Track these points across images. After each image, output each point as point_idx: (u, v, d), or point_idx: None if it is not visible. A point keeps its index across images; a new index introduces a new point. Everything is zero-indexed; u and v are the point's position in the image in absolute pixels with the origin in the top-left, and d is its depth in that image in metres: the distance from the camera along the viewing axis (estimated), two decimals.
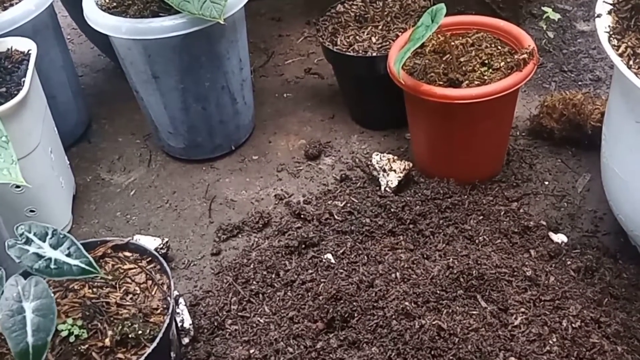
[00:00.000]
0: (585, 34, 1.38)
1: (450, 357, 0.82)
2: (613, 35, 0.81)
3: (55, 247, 0.73)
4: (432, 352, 0.83)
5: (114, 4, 1.09)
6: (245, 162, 1.22)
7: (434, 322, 0.85)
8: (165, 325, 0.78)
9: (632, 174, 0.84)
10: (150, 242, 1.02)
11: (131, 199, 1.18)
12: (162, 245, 1.03)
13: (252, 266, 1.00)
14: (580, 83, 1.30)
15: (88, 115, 1.34)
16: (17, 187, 1.01)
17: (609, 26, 0.82)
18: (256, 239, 1.06)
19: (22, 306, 0.68)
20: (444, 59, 1.05)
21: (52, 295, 0.70)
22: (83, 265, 0.73)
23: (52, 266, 0.72)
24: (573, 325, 0.84)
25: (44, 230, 0.74)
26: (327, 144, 1.23)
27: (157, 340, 0.76)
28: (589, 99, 1.14)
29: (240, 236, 1.08)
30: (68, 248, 0.74)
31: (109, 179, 1.23)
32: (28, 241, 0.73)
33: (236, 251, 1.05)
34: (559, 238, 0.99)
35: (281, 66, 1.45)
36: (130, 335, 0.77)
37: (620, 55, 0.77)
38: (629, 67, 0.75)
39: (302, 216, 1.07)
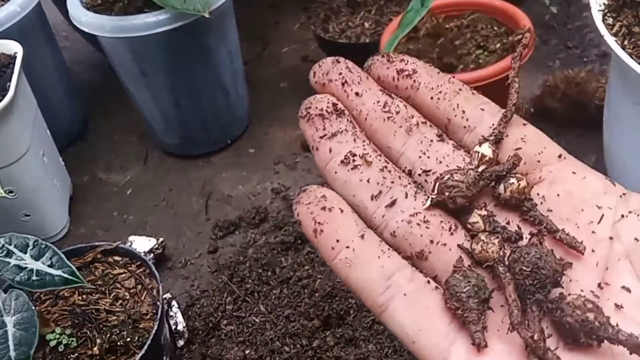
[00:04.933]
0: (590, 7, 1.32)
1: None
2: (608, 14, 0.77)
3: (36, 258, 0.72)
4: None
5: (99, 1, 1.07)
6: (241, 156, 1.20)
7: None
8: (154, 331, 0.77)
9: (631, 156, 0.80)
10: (145, 243, 1.01)
11: (128, 198, 1.17)
12: (157, 245, 1.02)
13: (247, 264, 0.98)
14: (585, 59, 1.26)
15: (83, 114, 1.32)
16: (10, 192, 1.00)
17: (604, 4, 0.78)
18: (253, 235, 1.05)
19: (3, 320, 0.67)
20: (438, 43, 1.02)
21: (34, 308, 0.69)
22: (66, 275, 0.72)
23: (34, 278, 0.71)
24: None
25: (25, 242, 0.73)
26: None
27: (146, 347, 0.75)
28: (592, 76, 1.10)
29: (237, 232, 1.07)
30: (50, 258, 0.72)
31: (105, 178, 1.22)
32: (9, 253, 0.72)
33: (233, 248, 1.04)
34: None
35: (277, 55, 1.42)
36: (119, 343, 0.77)
37: (615, 34, 0.73)
38: (624, 48, 0.71)
39: None
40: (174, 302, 0.92)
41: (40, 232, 1.01)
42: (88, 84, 1.44)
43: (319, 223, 0.34)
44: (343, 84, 0.38)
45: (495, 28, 1.03)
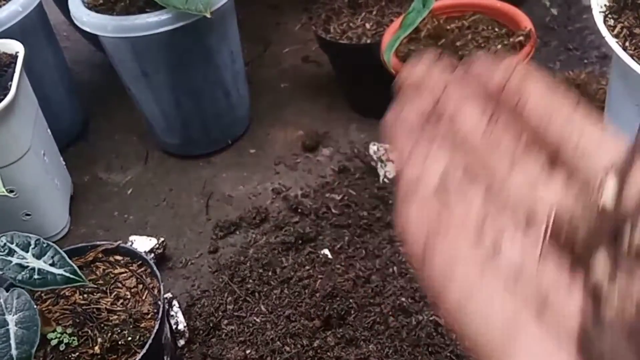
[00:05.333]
0: (590, 9, 1.32)
1: (447, 354, 0.80)
2: (609, 15, 0.77)
3: (38, 256, 0.72)
4: (429, 349, 0.81)
5: (100, 1, 1.07)
6: (242, 157, 1.20)
7: (431, 318, 0.83)
8: (155, 330, 0.77)
9: None
10: (146, 243, 1.01)
11: (128, 197, 1.17)
12: (158, 245, 1.02)
13: (248, 264, 0.98)
14: (586, 61, 1.26)
15: (84, 114, 1.33)
16: (11, 191, 1.00)
17: (605, 5, 0.78)
18: (253, 235, 1.05)
19: (5, 319, 0.68)
20: (439, 43, 1.02)
21: (35, 307, 0.69)
22: (67, 274, 0.72)
23: (36, 276, 0.71)
24: None
25: (27, 240, 0.73)
26: (325, 135, 1.20)
27: (147, 346, 0.75)
28: (593, 78, 1.10)
29: (237, 233, 1.07)
30: (52, 257, 0.73)
31: (106, 178, 1.22)
32: (11, 252, 0.72)
33: (233, 248, 1.04)
34: None
35: (278, 55, 1.42)
36: (120, 342, 0.76)
37: (617, 36, 0.74)
38: (625, 49, 0.71)
39: (299, 210, 1.05)
40: (174, 302, 0.92)
41: (40, 232, 1.00)
42: (89, 83, 1.44)
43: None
44: (444, 87, 0.32)
45: (496, 29, 1.03)
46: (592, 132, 0.31)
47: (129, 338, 0.76)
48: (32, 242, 0.72)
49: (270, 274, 0.96)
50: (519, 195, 0.30)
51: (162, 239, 1.03)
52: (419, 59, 0.33)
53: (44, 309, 0.82)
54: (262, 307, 0.92)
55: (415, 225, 0.29)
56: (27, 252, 0.72)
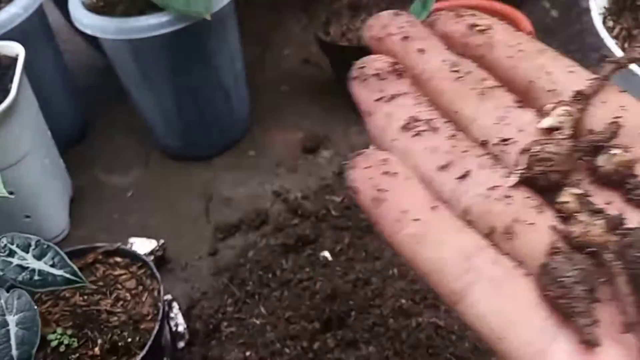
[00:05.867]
0: (590, 11, 1.33)
1: (448, 356, 0.80)
2: (608, 17, 0.77)
3: (38, 258, 0.72)
4: (430, 351, 0.81)
5: (101, 3, 1.07)
6: (242, 159, 1.21)
7: (431, 320, 0.83)
8: (155, 331, 0.77)
9: None
10: (145, 245, 1.01)
11: (128, 200, 1.17)
12: (158, 247, 1.02)
13: (248, 266, 0.98)
14: (586, 63, 1.25)
15: (84, 116, 1.33)
16: (11, 193, 1.00)
17: (604, 7, 0.78)
18: (253, 238, 1.05)
19: (6, 319, 0.68)
20: None
21: (36, 307, 0.69)
22: (68, 275, 0.72)
23: (36, 277, 0.71)
24: None
25: (27, 241, 0.73)
26: (325, 137, 1.21)
27: (147, 347, 0.75)
28: None
29: (237, 235, 1.07)
30: (52, 258, 0.73)
31: (106, 180, 1.22)
32: (11, 253, 0.72)
33: (233, 250, 1.04)
34: None
35: (278, 57, 1.42)
36: (120, 343, 0.77)
37: (616, 37, 0.74)
38: (624, 51, 0.71)
39: (299, 213, 1.05)
40: (174, 304, 0.92)
41: (40, 234, 1.00)
42: (89, 86, 1.44)
43: (380, 190, 0.28)
44: (404, 39, 0.33)
45: None
46: (560, 70, 0.32)
47: (129, 339, 0.77)
48: (33, 243, 0.72)
49: (270, 276, 0.96)
50: (488, 129, 0.31)
51: (162, 241, 1.03)
52: (382, 13, 0.34)
53: (43, 310, 0.82)
54: (262, 309, 0.92)
55: (365, 175, 0.29)
56: (27, 253, 0.72)
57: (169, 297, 0.94)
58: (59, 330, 0.78)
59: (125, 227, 1.12)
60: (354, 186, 0.29)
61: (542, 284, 0.26)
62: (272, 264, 0.97)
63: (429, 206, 0.28)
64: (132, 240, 1.02)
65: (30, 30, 1.12)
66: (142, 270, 0.86)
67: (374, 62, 0.32)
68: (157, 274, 0.83)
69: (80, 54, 1.51)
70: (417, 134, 0.30)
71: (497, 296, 0.27)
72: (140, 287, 0.84)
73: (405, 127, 0.30)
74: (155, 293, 0.82)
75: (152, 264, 0.84)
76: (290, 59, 1.42)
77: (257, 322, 0.91)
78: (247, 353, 0.87)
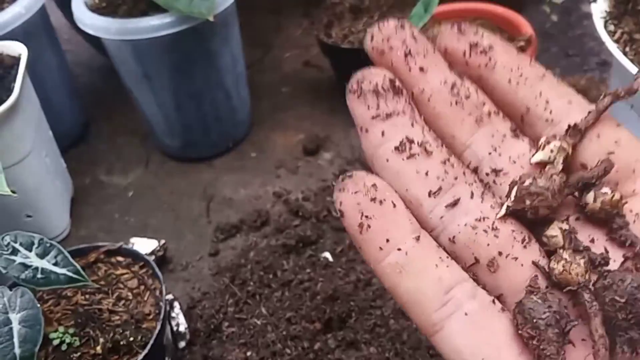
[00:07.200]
0: (590, 16, 1.33)
1: None
2: (610, 21, 0.78)
3: (41, 256, 0.72)
4: (430, 352, 0.81)
5: (104, 4, 1.08)
6: (243, 160, 1.21)
7: None
8: (157, 331, 0.77)
9: None
10: (146, 245, 1.01)
11: (129, 200, 1.17)
12: (159, 247, 1.02)
13: (249, 267, 0.99)
14: (585, 67, 1.27)
15: (85, 116, 1.33)
16: (13, 192, 1.00)
17: (606, 11, 0.79)
18: (254, 238, 1.05)
19: (9, 317, 0.68)
20: None
21: (38, 305, 0.69)
22: (70, 274, 0.72)
23: (39, 276, 0.71)
24: None
25: (30, 240, 0.73)
26: (326, 139, 1.21)
27: (149, 346, 0.75)
28: (593, 84, 1.11)
29: (238, 236, 1.07)
30: (55, 257, 0.73)
31: (107, 180, 1.22)
32: (14, 251, 0.72)
33: (234, 251, 1.04)
34: None
35: (279, 60, 1.43)
36: (121, 342, 0.77)
37: (617, 41, 0.75)
38: (625, 54, 0.72)
39: (300, 214, 1.06)
40: (175, 304, 0.92)
41: (41, 233, 1.00)
42: (90, 86, 1.44)
43: (366, 217, 0.29)
44: (406, 55, 0.32)
45: (497, 35, 1.04)
46: (558, 100, 0.32)
47: (131, 338, 0.77)
48: (36, 241, 0.73)
49: (271, 276, 0.97)
50: (481, 157, 0.32)
51: (162, 241, 1.04)
52: (386, 24, 0.33)
53: (46, 309, 0.82)
54: (263, 310, 0.93)
55: (353, 200, 0.30)
56: (30, 251, 0.72)
57: (170, 296, 0.94)
58: (61, 329, 0.78)
59: (125, 227, 1.12)
60: (340, 210, 0.30)
61: (517, 323, 0.28)
62: (273, 265, 0.98)
63: (412, 236, 0.29)
64: (132, 240, 1.03)
65: (33, 30, 1.12)
66: (144, 270, 0.86)
67: (373, 77, 0.32)
68: (159, 274, 0.83)
69: (82, 54, 1.52)
70: (411, 156, 0.31)
71: (473, 331, 0.28)
72: (142, 287, 0.84)
73: (399, 149, 0.31)
74: (157, 292, 0.82)
75: (153, 264, 0.84)
76: (291, 61, 1.42)
77: (258, 322, 0.91)
78: (248, 353, 0.87)
